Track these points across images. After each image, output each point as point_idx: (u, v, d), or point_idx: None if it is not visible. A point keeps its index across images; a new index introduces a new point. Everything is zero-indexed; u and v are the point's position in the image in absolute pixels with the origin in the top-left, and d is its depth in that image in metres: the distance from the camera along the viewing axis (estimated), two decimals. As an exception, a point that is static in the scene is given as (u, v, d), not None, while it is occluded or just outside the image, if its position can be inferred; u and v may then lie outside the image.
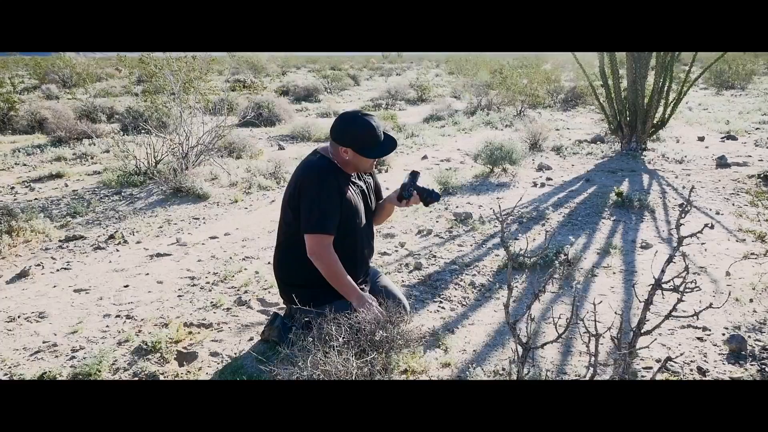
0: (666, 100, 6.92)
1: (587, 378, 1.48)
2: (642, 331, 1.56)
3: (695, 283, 1.52)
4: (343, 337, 2.04)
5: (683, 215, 1.47)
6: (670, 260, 1.51)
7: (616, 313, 1.57)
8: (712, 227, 1.49)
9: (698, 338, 2.65)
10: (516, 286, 3.27)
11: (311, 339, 1.94)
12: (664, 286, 1.53)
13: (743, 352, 2.47)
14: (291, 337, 2.39)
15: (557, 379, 2.25)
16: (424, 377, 2.29)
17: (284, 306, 2.76)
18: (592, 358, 1.51)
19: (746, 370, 2.35)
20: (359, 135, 2.25)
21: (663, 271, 1.53)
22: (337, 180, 2.30)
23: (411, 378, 2.23)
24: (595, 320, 1.40)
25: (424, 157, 7.13)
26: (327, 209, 2.25)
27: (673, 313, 1.55)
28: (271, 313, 2.77)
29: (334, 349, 1.82)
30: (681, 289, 1.47)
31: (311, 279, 2.38)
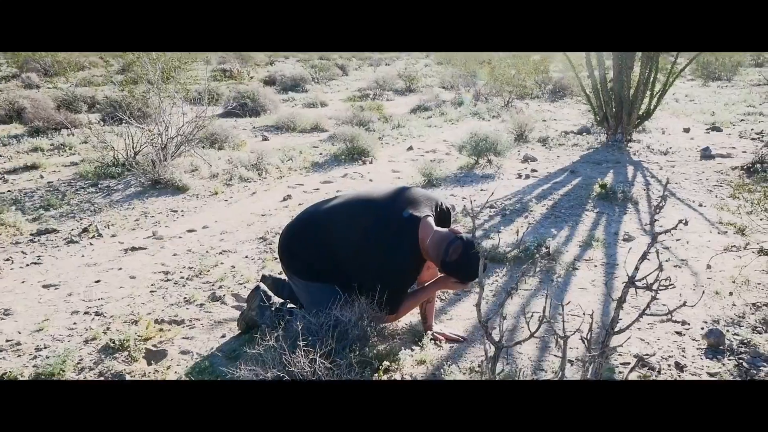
0: (652, 91, 6.89)
1: (557, 378, 1.43)
2: (615, 330, 1.51)
3: (670, 281, 1.47)
4: (312, 337, 1.98)
5: (657, 211, 1.42)
6: (644, 257, 1.46)
7: (584, 313, 1.53)
8: (686, 223, 1.44)
9: (677, 332, 2.62)
10: (496, 280, 3.22)
11: (277, 336, 1.87)
12: (638, 284, 1.47)
13: (721, 347, 2.44)
14: (265, 324, 2.41)
15: (531, 377, 2.20)
16: (397, 375, 2.23)
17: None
18: (572, 359, 1.46)
19: (723, 365, 2.33)
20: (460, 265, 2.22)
21: (637, 269, 1.48)
22: (418, 270, 2.37)
23: (384, 376, 2.18)
24: (563, 322, 1.34)
25: (410, 148, 7.06)
26: (402, 295, 2.31)
27: (647, 312, 1.50)
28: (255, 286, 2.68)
29: (300, 349, 1.76)
30: (655, 287, 1.42)
31: (312, 260, 2.38)
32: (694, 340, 2.55)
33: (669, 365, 2.34)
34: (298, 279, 2.36)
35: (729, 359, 2.36)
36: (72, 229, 4.27)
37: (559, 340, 1.34)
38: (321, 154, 6.78)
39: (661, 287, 1.44)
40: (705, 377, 2.24)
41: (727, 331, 2.58)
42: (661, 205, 1.43)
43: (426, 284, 2.43)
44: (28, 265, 3.64)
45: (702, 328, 2.64)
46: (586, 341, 1.36)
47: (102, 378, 2.35)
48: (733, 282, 3.10)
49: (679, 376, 2.26)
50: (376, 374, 2.13)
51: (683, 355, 2.42)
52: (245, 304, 2.92)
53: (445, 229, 2.24)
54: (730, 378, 2.21)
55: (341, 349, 2.05)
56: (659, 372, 2.25)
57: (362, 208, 2.33)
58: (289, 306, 2.55)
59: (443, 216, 2.44)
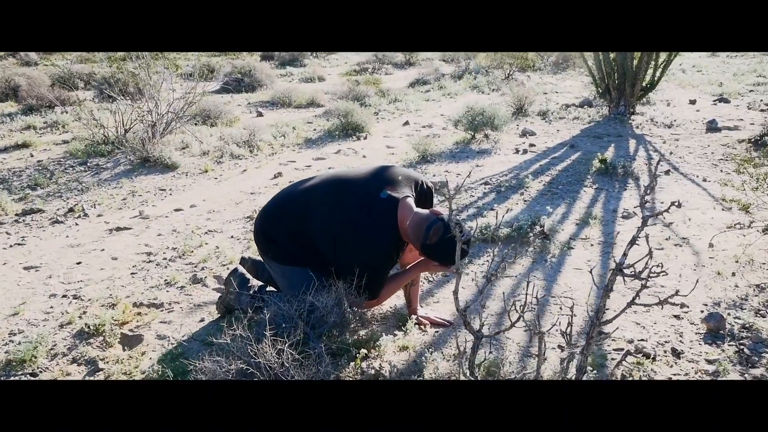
0: (656, 61, 6.65)
1: (532, 378, 1.32)
2: (602, 321, 1.40)
3: (661, 267, 1.34)
4: (286, 324, 1.88)
5: (648, 192, 1.29)
6: (632, 242, 1.33)
7: (561, 307, 1.41)
8: (679, 206, 1.31)
9: (675, 316, 2.50)
10: (488, 260, 3.11)
11: (243, 325, 1.77)
12: (626, 271, 1.35)
13: (721, 332, 2.32)
14: (241, 309, 2.33)
15: (517, 364, 2.10)
16: (377, 363, 2.13)
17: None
18: (563, 345, 1.34)
19: (723, 351, 2.21)
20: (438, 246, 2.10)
21: (625, 255, 1.35)
22: (398, 253, 2.28)
23: (363, 364, 2.08)
24: (537, 317, 1.23)
25: (406, 123, 6.88)
26: (382, 279, 2.18)
27: (637, 300, 1.38)
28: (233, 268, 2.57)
29: (267, 339, 1.66)
30: (644, 275, 1.30)
31: (287, 244, 2.25)
32: (692, 324, 2.43)
33: (665, 351, 2.22)
34: (275, 263, 2.25)
35: (729, 345, 2.24)
36: (58, 209, 4.18)
37: (533, 336, 1.22)
38: (315, 130, 6.62)
39: (651, 275, 1.32)
40: (703, 364, 2.13)
41: (729, 314, 2.46)
42: (653, 185, 1.30)
43: (408, 267, 2.31)
44: (11, 246, 3.56)
45: (702, 311, 2.52)
46: (566, 335, 1.25)
47: (75, 363, 2.28)
48: (737, 262, 2.97)
49: (675, 363, 2.15)
50: (354, 362, 2.03)
51: (680, 341, 2.30)
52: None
53: (425, 210, 2.11)
54: (730, 365, 2.10)
55: (317, 337, 1.95)
56: (654, 359, 2.14)
57: (339, 189, 2.20)
58: (267, 290, 2.45)
59: (425, 196, 2.31)
